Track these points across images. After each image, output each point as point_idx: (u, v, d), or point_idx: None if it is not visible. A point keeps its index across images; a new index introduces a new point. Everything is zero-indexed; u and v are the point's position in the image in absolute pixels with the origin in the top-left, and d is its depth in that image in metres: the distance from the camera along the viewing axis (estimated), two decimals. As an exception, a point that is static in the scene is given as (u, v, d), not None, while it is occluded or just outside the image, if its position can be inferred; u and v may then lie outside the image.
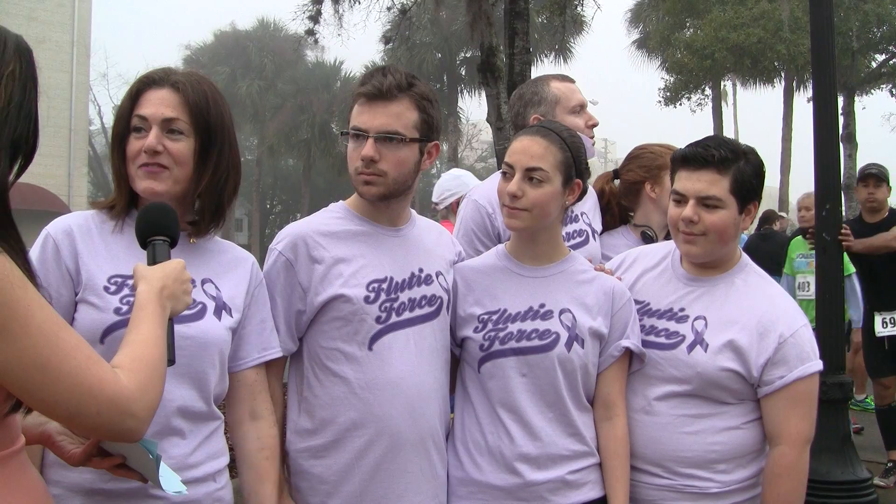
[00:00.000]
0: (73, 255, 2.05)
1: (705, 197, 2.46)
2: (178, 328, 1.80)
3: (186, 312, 1.99)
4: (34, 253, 2.00)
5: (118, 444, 1.69)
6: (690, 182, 2.49)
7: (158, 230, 1.89)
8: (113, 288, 2.04)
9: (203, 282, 2.14)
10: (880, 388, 6.31)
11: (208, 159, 2.15)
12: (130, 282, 2.04)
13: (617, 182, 3.65)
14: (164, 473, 1.69)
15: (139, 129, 2.09)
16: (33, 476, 1.57)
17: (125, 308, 2.01)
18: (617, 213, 3.63)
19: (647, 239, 3.40)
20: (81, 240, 2.07)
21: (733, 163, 2.47)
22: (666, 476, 2.50)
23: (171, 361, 1.68)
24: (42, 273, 1.94)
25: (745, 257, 2.66)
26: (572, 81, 3.45)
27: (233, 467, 2.35)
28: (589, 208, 3.46)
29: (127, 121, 2.10)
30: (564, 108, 3.35)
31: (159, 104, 2.09)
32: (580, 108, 3.37)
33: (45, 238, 2.06)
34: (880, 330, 6.26)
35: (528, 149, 2.44)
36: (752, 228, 10.28)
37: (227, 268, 2.26)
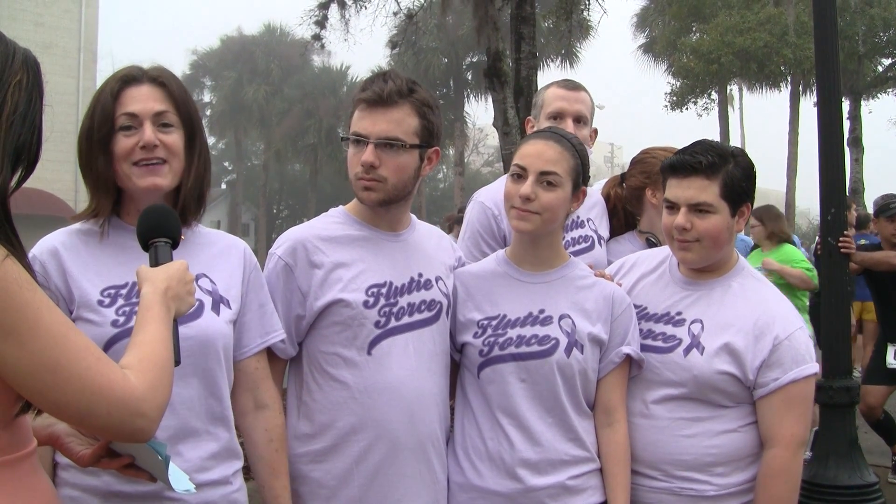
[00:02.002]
0: (61, 274, 2.04)
1: (696, 204, 2.47)
2: (179, 329, 1.80)
3: None
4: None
5: (127, 445, 1.70)
6: (680, 190, 2.50)
7: (160, 232, 1.89)
8: (107, 301, 2.04)
9: (197, 277, 2.11)
10: (867, 410, 6.31)
11: (194, 150, 2.16)
12: (124, 291, 2.05)
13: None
14: (172, 472, 1.71)
15: (128, 127, 2.07)
16: (44, 480, 1.58)
17: (122, 319, 2.01)
18: (623, 218, 3.60)
19: (651, 246, 3.34)
20: (69, 258, 2.06)
21: (721, 167, 2.47)
22: (663, 479, 2.50)
23: (176, 362, 1.69)
24: None
25: (742, 260, 2.66)
26: (572, 88, 3.38)
27: (248, 469, 2.36)
28: (596, 214, 3.45)
29: (112, 121, 2.07)
30: (544, 113, 3.33)
31: (147, 99, 2.09)
32: (557, 116, 3.29)
33: (31, 260, 2.05)
34: (891, 362, 6.27)
35: (542, 153, 2.44)
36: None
37: (218, 259, 2.25)
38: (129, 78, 2.11)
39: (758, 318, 2.49)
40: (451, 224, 10.43)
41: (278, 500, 2.29)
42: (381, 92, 2.33)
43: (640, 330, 2.60)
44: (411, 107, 2.36)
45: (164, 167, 2.09)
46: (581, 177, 2.49)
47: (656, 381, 2.54)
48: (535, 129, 3.20)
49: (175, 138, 2.11)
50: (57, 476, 2.05)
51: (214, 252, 2.27)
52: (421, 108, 2.38)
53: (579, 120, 3.30)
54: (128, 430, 1.50)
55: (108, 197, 2.11)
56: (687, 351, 2.50)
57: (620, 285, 2.67)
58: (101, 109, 2.08)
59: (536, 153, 2.44)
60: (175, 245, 1.91)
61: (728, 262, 2.62)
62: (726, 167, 2.48)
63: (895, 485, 6.26)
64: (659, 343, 2.56)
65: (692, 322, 2.55)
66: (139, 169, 2.07)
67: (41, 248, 2.08)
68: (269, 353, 2.36)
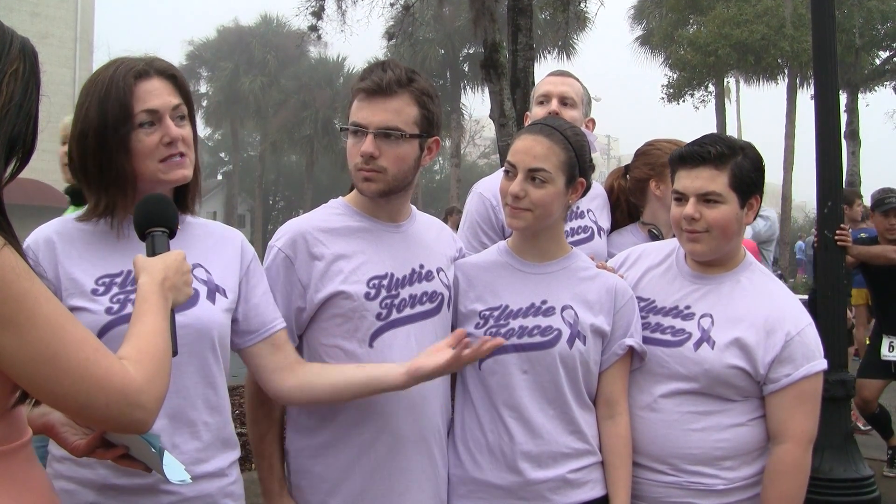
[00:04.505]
0: (52, 263, 2.01)
1: (705, 193, 2.47)
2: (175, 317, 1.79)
3: None
4: None
5: (121, 436, 1.70)
6: (689, 180, 2.50)
7: (157, 221, 1.88)
8: (101, 289, 2.02)
9: (193, 267, 2.06)
10: (862, 404, 6.34)
11: (195, 140, 2.16)
12: (119, 280, 2.03)
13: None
14: (168, 463, 1.70)
15: (149, 123, 2.03)
16: (39, 470, 1.58)
17: (116, 307, 1.99)
18: (626, 210, 3.60)
19: (654, 238, 3.35)
20: (62, 247, 2.04)
21: (731, 158, 2.47)
22: (672, 473, 2.50)
23: (174, 352, 1.69)
24: None
25: (750, 256, 2.66)
26: (558, 74, 3.47)
27: (243, 461, 2.35)
28: (597, 206, 3.45)
29: (129, 118, 2.01)
30: (534, 101, 3.41)
31: (162, 93, 2.06)
32: (544, 99, 3.37)
33: (24, 249, 2.03)
34: (886, 354, 6.28)
35: (530, 149, 2.42)
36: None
37: (214, 249, 2.24)
38: (138, 73, 2.05)
39: (768, 314, 2.50)
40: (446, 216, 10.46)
41: None
42: (380, 81, 2.31)
43: (648, 323, 2.59)
44: (410, 96, 2.34)
45: (186, 160, 2.09)
46: (577, 169, 2.46)
47: (665, 375, 2.54)
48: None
49: (189, 131, 2.11)
50: (52, 468, 2.03)
51: (210, 243, 2.25)
52: (420, 97, 2.35)
53: (565, 102, 3.34)
54: (126, 422, 1.49)
55: (125, 195, 2.05)
56: (697, 345, 2.50)
57: (623, 277, 2.66)
58: (119, 106, 2.00)
59: (525, 149, 2.43)
60: (172, 235, 1.90)
61: (736, 257, 2.61)
62: (735, 158, 2.48)
63: (890, 478, 6.28)
64: (668, 336, 2.56)
65: (702, 316, 2.54)
66: (165, 165, 2.05)
67: (35, 238, 2.05)
68: None
